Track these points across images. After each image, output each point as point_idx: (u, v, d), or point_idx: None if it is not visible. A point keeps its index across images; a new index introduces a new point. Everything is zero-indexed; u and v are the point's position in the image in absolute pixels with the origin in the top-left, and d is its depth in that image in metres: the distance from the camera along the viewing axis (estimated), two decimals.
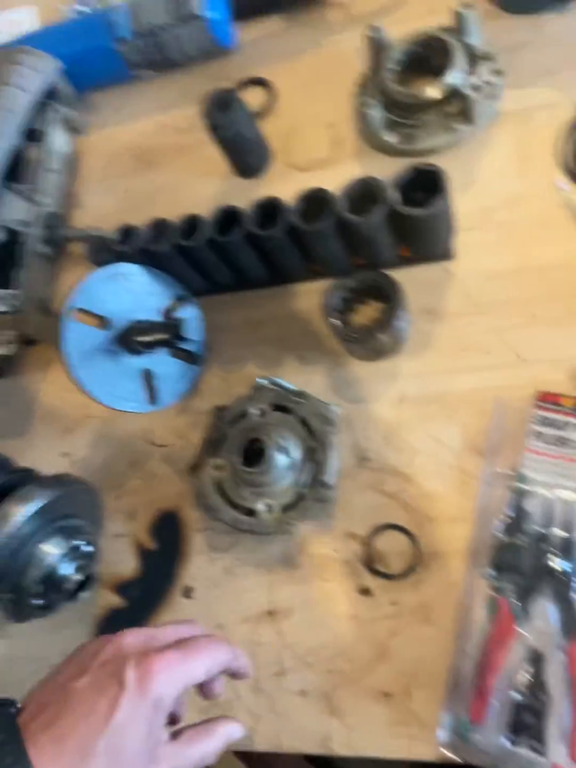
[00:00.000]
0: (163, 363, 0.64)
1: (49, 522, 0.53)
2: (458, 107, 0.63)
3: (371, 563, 0.55)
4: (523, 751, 0.45)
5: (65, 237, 0.76)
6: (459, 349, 0.59)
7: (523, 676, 0.47)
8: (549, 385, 0.55)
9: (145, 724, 0.36)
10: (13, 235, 0.73)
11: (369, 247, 0.59)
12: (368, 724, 0.51)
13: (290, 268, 0.64)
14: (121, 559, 0.62)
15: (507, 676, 0.47)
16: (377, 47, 0.66)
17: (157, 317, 0.63)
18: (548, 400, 0.54)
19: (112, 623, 0.59)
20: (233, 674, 0.43)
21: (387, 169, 0.55)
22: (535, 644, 0.47)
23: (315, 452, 0.57)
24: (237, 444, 0.57)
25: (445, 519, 0.54)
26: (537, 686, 0.46)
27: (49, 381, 0.74)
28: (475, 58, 0.64)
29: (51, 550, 0.53)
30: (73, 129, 0.84)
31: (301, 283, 0.66)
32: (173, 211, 0.64)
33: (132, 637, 0.39)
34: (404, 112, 0.65)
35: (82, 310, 0.60)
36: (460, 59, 0.62)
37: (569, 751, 0.44)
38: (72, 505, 0.56)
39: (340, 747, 0.51)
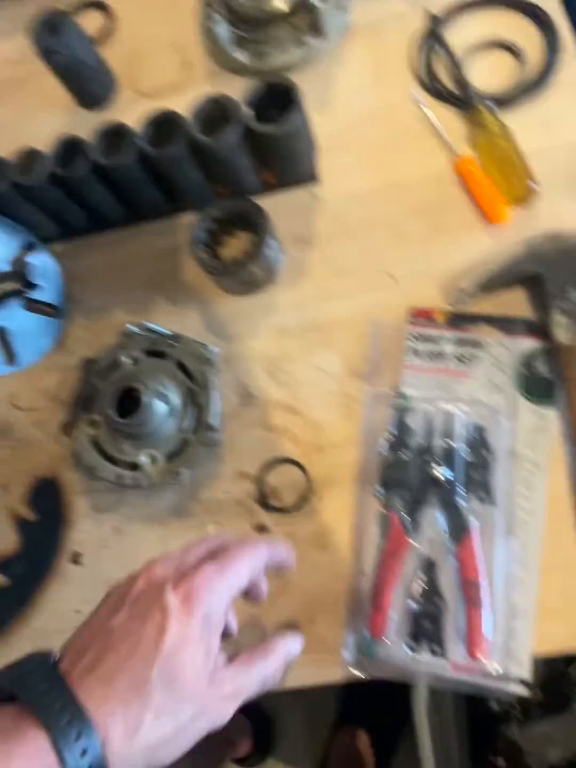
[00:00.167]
0: (18, 318, 0.58)
1: None
2: (307, 20, 0.60)
3: (264, 500, 0.53)
4: (425, 657, 0.46)
5: None
6: (332, 275, 0.57)
7: (418, 585, 0.48)
8: (422, 302, 0.55)
9: (200, 645, 0.33)
10: None
11: (229, 172, 0.55)
12: None
13: (148, 203, 0.59)
14: None
15: (403, 588, 0.48)
16: None
17: (4, 267, 0.57)
18: (422, 316, 0.54)
19: None
20: (278, 568, 0.41)
21: (241, 90, 0.52)
22: (427, 553, 0.48)
23: (196, 395, 0.54)
24: (110, 396, 0.53)
25: (333, 446, 0.54)
26: (432, 593, 0.47)
27: None
28: None
29: None
30: None
31: (163, 219, 0.62)
32: (13, 149, 0.57)
33: (161, 566, 0.36)
34: (252, 27, 0.61)
35: None
36: None
37: (466, 648, 0.46)
38: None
39: None
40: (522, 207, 0.55)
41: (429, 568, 0.48)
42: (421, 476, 0.49)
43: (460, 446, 0.50)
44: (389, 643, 0.47)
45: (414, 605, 0.47)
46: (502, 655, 0.46)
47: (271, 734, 1.12)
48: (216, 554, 0.37)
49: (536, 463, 0.50)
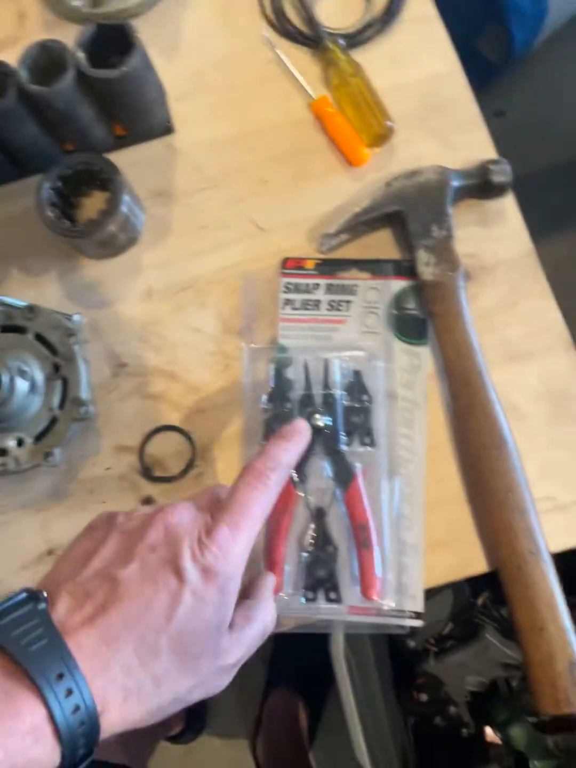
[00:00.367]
0: None
1: None
2: None
3: (148, 472, 0.51)
4: (322, 605, 0.46)
5: None
6: (198, 229, 0.55)
7: (310, 536, 0.47)
8: (291, 251, 0.54)
9: (213, 617, 0.32)
10: None
11: (72, 127, 0.51)
12: None
13: None
14: None
15: (295, 540, 0.47)
16: None
17: None
18: (292, 265, 0.53)
19: None
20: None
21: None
22: (316, 503, 0.48)
23: (61, 369, 0.51)
24: None
25: (215, 407, 0.52)
26: (323, 541, 0.47)
27: None
28: None
29: None
30: None
31: (8, 184, 0.57)
32: None
33: (176, 514, 0.34)
34: None
35: None
36: None
37: (361, 590, 0.46)
38: None
39: None
40: (381, 147, 0.54)
41: (319, 516, 0.48)
42: None
43: (340, 393, 0.49)
44: (286, 597, 0.46)
45: (307, 555, 0.47)
46: (395, 592, 0.46)
47: (204, 708, 1.12)
48: (229, 506, 0.35)
49: (414, 402, 0.50)
